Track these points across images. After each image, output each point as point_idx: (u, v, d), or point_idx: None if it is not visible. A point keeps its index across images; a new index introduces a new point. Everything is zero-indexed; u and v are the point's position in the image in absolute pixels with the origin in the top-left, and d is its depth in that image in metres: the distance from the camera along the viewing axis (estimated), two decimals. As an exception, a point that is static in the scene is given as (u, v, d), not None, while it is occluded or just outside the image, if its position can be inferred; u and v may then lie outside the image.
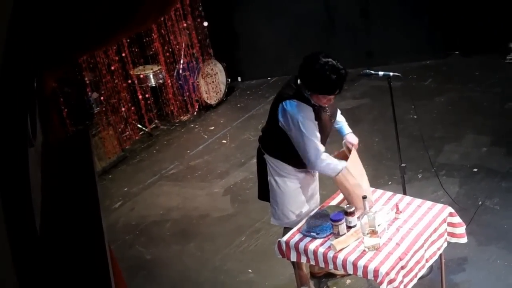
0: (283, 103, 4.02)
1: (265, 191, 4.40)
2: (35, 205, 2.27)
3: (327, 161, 4.03)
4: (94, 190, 2.54)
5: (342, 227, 3.92)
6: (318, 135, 4.01)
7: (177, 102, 8.45)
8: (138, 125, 8.09)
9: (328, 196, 4.49)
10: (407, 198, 4.28)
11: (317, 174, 4.40)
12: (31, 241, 2.14)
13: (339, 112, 4.44)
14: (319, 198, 4.46)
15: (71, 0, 2.58)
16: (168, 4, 3.71)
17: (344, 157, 4.23)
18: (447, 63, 8.57)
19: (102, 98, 7.46)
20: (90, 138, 3.51)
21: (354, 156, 4.19)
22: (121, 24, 2.94)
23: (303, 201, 4.31)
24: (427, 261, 3.96)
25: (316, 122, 4.01)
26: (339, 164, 4.05)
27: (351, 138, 4.40)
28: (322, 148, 4.03)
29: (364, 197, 4.01)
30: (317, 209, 4.28)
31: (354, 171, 4.12)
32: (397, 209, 4.08)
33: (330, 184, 4.65)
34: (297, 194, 4.27)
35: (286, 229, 4.31)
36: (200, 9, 8.41)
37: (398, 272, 3.69)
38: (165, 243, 5.77)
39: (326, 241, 3.94)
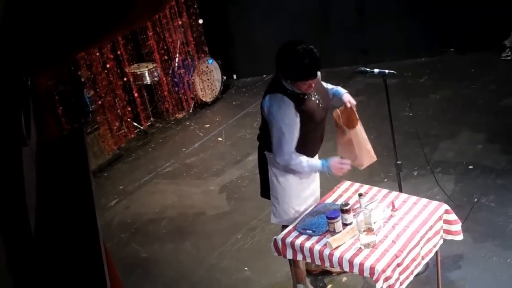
0: (264, 98, 4.07)
1: (266, 189, 4.38)
2: (29, 204, 2.26)
3: (296, 160, 4.04)
4: (89, 189, 2.53)
5: (338, 224, 3.92)
6: (295, 134, 4.01)
7: (173, 100, 8.43)
8: (134, 123, 8.08)
9: (324, 193, 4.49)
10: (403, 196, 4.28)
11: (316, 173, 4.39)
12: (25, 240, 2.13)
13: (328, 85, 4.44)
14: (319, 196, 4.44)
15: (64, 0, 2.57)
16: (161, 3, 3.70)
17: (347, 113, 4.26)
18: (442, 61, 8.58)
19: (97, 96, 7.44)
20: (85, 137, 3.50)
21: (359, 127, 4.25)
22: (115, 23, 2.93)
23: (304, 197, 4.29)
24: (423, 258, 3.96)
25: (298, 116, 3.98)
26: (306, 165, 4.07)
27: (348, 96, 4.35)
28: (292, 148, 4.04)
29: (360, 195, 4.01)
30: (313, 206, 4.28)
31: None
32: (393, 206, 4.08)
33: (326, 181, 4.65)
34: (298, 191, 4.26)
35: (284, 227, 4.29)
36: (195, 6, 8.39)
37: (394, 270, 3.69)
38: (160, 241, 5.76)
39: (322, 238, 3.94)
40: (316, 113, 4.09)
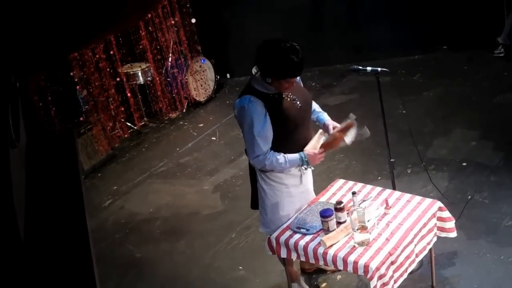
0: (235, 101, 3.97)
1: (255, 199, 4.30)
2: (18, 207, 2.24)
3: (272, 158, 3.94)
4: (79, 191, 2.52)
5: (332, 223, 3.91)
6: (268, 134, 3.91)
7: (166, 100, 8.43)
8: (127, 123, 8.06)
9: (318, 192, 4.48)
10: (397, 193, 4.28)
11: (308, 181, 4.32)
12: (13, 242, 2.11)
13: (317, 105, 4.38)
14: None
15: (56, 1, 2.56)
16: (152, 2, 3.69)
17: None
18: (435, 58, 8.60)
19: (90, 96, 7.43)
20: (76, 138, 3.49)
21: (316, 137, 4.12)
22: (106, 21, 2.92)
23: (294, 209, 4.22)
24: (417, 256, 3.96)
25: (267, 115, 3.87)
26: (284, 162, 3.96)
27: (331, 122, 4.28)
28: (265, 149, 3.93)
29: (354, 193, 4.01)
30: (306, 205, 4.26)
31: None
32: (387, 204, 4.08)
33: (319, 180, 4.65)
34: (287, 204, 4.18)
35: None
36: (188, 5, 8.38)
37: (388, 268, 3.69)
38: (155, 241, 5.75)
39: (316, 237, 3.93)
40: (291, 112, 3.96)
